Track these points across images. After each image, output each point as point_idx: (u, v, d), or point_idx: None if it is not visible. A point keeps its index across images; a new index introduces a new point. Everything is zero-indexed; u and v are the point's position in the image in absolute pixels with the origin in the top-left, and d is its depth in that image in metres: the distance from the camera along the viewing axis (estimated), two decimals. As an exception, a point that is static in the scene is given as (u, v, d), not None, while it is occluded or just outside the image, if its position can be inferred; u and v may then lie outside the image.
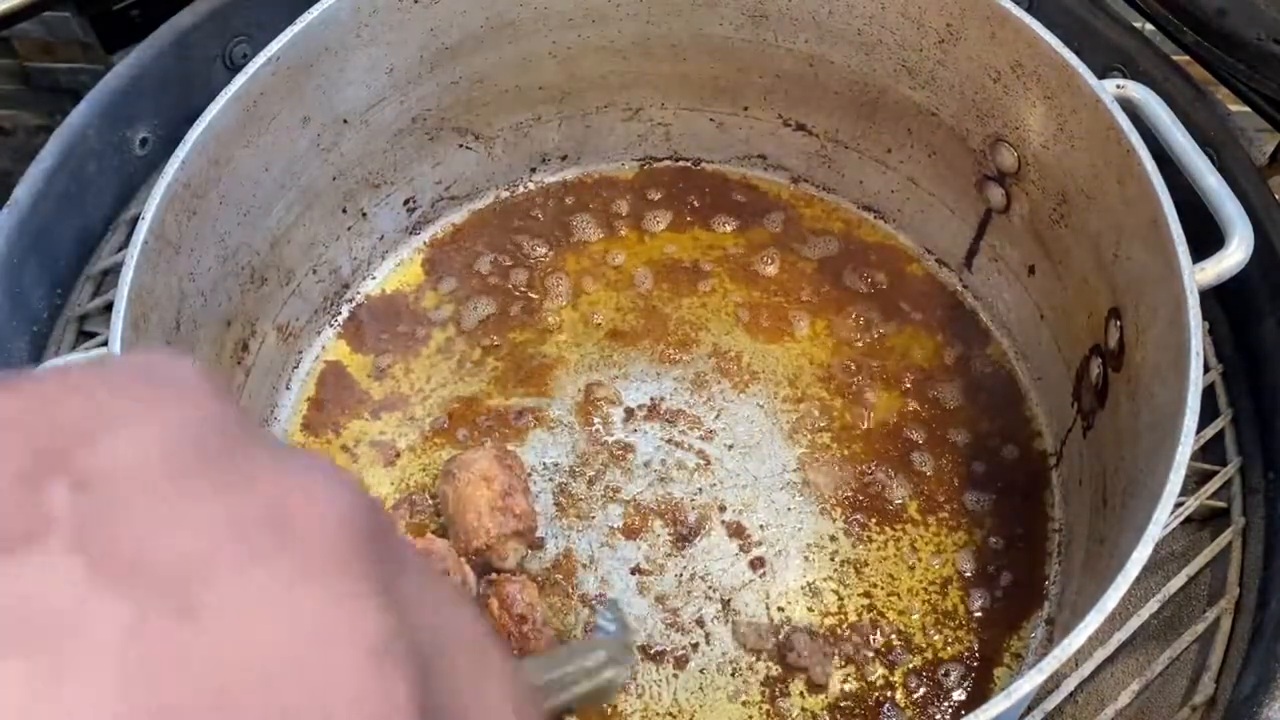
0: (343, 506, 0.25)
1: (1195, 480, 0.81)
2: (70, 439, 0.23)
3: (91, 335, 0.89)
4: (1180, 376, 0.63)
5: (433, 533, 0.80)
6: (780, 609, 0.78)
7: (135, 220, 0.70)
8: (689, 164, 0.99)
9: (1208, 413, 0.78)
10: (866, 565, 0.80)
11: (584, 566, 0.80)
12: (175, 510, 0.23)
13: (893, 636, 0.77)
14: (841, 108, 0.91)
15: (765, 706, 0.75)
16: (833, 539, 0.81)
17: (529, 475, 0.82)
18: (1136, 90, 0.75)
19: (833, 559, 0.80)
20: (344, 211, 0.89)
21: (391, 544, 0.26)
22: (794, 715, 0.75)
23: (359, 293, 0.93)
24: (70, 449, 0.23)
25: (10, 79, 1.42)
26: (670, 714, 0.75)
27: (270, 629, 0.22)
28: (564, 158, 0.98)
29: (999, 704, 0.56)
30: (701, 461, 0.84)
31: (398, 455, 0.85)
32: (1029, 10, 0.78)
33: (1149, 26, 0.93)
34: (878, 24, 0.84)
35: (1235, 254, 0.69)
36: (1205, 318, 0.83)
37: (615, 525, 0.81)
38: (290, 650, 0.22)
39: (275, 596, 0.23)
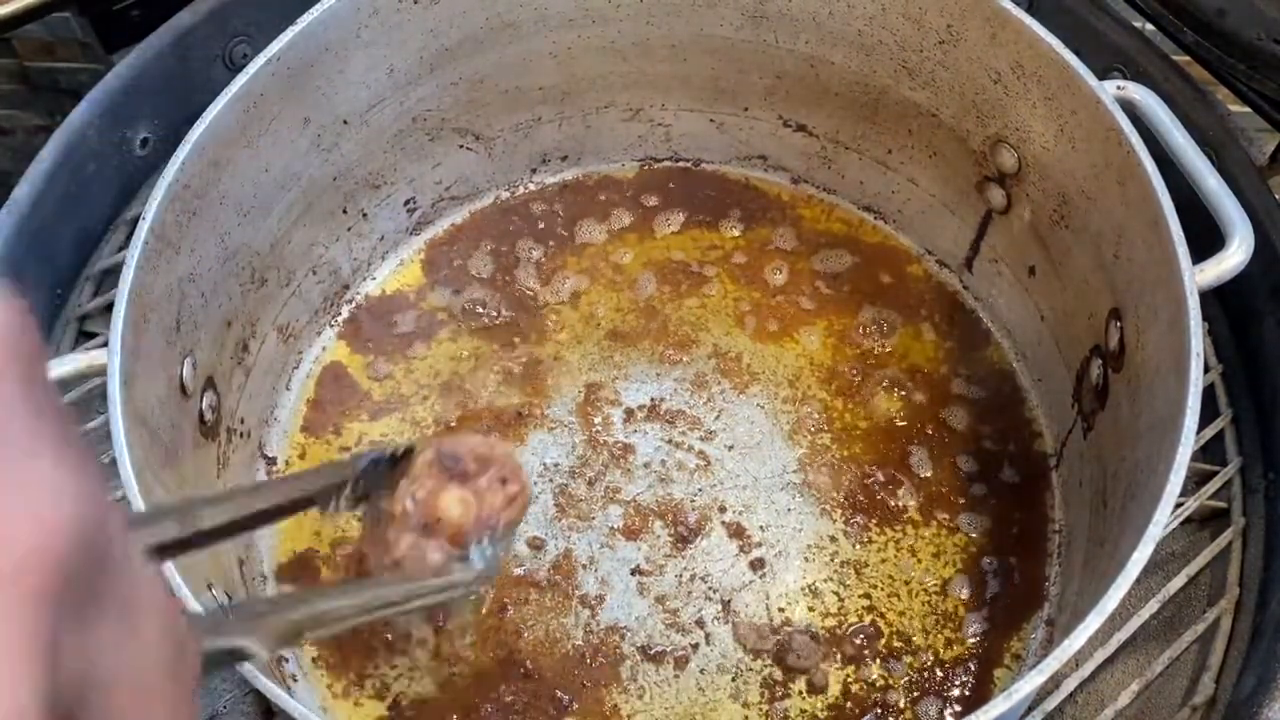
0: (44, 539, 0.22)
1: (1195, 480, 0.82)
2: None
3: (91, 335, 0.89)
4: (1180, 377, 0.63)
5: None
6: (780, 610, 0.78)
7: (135, 220, 0.70)
8: (689, 165, 0.99)
9: (1208, 413, 0.78)
10: (866, 566, 0.80)
11: (584, 567, 0.80)
12: None
13: (893, 637, 0.77)
14: (842, 109, 0.91)
15: (765, 707, 0.75)
16: (833, 540, 0.81)
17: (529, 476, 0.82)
18: (1136, 91, 0.75)
19: (833, 560, 0.80)
20: (344, 212, 0.89)
21: (94, 580, 0.24)
22: (794, 716, 0.75)
23: (359, 293, 0.93)
24: None
25: (10, 79, 1.42)
26: (670, 714, 0.75)
27: None
28: (564, 158, 0.98)
29: (999, 705, 0.56)
30: (702, 462, 0.84)
31: (398, 456, 0.85)
32: (1029, 11, 0.77)
33: (1149, 26, 0.93)
34: (878, 25, 0.84)
35: (1235, 255, 0.69)
36: (1205, 318, 0.83)
37: (615, 526, 0.81)
38: None
39: None
